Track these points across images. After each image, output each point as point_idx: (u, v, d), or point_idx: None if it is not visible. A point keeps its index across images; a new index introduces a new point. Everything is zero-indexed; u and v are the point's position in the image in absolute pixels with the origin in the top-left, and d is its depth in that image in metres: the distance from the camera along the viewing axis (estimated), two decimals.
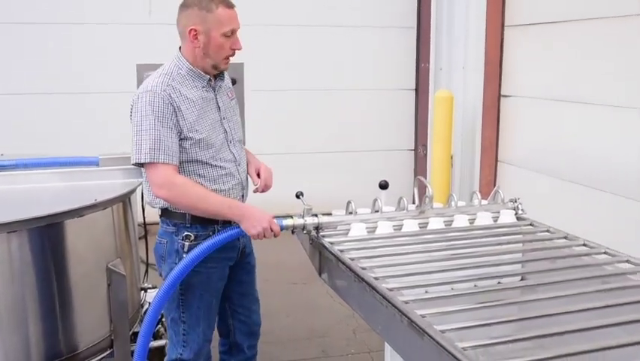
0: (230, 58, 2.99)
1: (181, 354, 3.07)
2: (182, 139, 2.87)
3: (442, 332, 1.89)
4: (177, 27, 2.94)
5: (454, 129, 6.31)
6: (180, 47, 2.98)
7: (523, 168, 5.83)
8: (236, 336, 3.33)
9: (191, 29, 2.86)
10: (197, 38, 2.87)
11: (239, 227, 2.87)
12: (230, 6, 2.90)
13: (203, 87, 2.97)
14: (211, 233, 2.95)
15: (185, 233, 2.95)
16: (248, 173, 3.22)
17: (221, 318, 3.28)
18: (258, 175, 3.21)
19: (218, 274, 3.07)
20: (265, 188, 3.22)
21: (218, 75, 3.06)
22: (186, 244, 2.94)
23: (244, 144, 3.27)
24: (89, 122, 6.78)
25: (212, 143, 2.95)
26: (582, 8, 4.98)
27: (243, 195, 3.11)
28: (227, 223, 2.95)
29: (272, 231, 2.85)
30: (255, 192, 3.21)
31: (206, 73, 2.96)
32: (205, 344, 3.12)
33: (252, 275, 3.33)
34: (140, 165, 2.86)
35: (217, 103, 3.02)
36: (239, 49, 2.96)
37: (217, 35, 2.86)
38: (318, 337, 4.73)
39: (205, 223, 2.95)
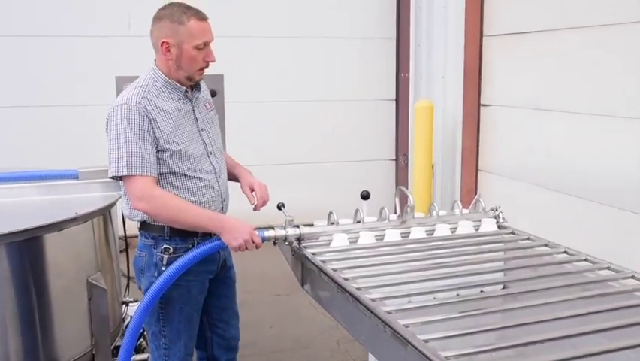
0: (205, 70, 2.97)
1: None
2: (159, 151, 2.85)
3: (425, 341, 1.90)
4: (151, 39, 2.93)
5: (435, 139, 6.33)
6: (155, 59, 2.98)
7: (504, 176, 5.86)
8: (213, 350, 3.30)
9: (163, 42, 2.85)
10: (169, 51, 2.86)
11: (219, 239, 2.86)
12: (203, 18, 2.88)
13: (180, 99, 2.95)
14: (190, 246, 2.92)
15: (164, 246, 2.92)
16: (242, 191, 3.21)
17: (199, 331, 3.25)
18: (252, 191, 3.20)
19: (199, 287, 3.04)
20: (263, 204, 3.18)
21: (195, 87, 3.05)
22: (165, 257, 2.90)
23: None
24: (70, 135, 6.72)
25: (191, 154, 2.93)
26: (560, 18, 5.03)
27: (222, 208, 3.09)
28: (207, 236, 2.93)
29: (253, 242, 2.83)
30: (254, 210, 3.18)
31: (182, 84, 2.95)
32: (187, 358, 3.09)
33: (231, 289, 3.30)
34: (119, 178, 2.83)
35: (194, 115, 3.00)
36: (212, 61, 2.94)
37: (189, 48, 2.85)
38: (302, 348, 4.72)
39: (184, 236, 2.93)
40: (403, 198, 3.12)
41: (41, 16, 6.73)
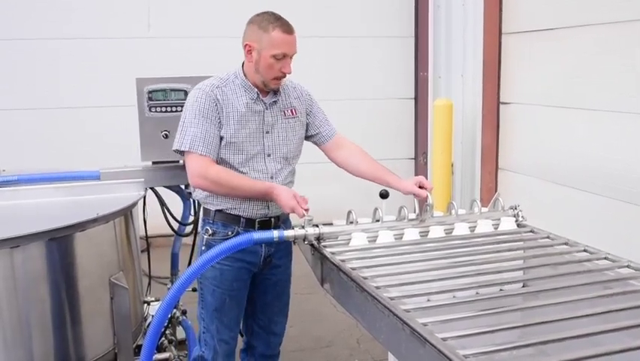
0: (282, 80, 3.15)
1: (203, 352, 3.22)
2: None
3: (444, 339, 1.90)
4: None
5: (454, 137, 6.31)
6: (244, 61, 3.15)
7: (524, 174, 5.82)
8: (253, 338, 3.42)
9: (246, 44, 3.06)
10: (250, 54, 3.05)
11: (253, 236, 2.84)
12: (288, 32, 3.06)
13: (252, 99, 3.10)
14: (230, 233, 3.07)
15: (207, 227, 3.13)
16: (408, 190, 3.21)
17: (244, 317, 3.37)
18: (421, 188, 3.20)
19: (233, 274, 3.13)
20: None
21: (275, 92, 3.18)
22: (205, 237, 3.12)
23: None
24: (89, 136, 6.78)
25: (244, 149, 3.08)
26: (579, 14, 4.99)
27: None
28: (250, 227, 3.07)
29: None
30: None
31: (257, 87, 3.10)
32: (220, 343, 3.16)
33: (277, 288, 3.40)
34: (180, 152, 3.07)
35: (263, 117, 3.13)
36: (288, 72, 3.12)
37: (267, 55, 3.01)
38: (323, 347, 4.73)
39: (227, 222, 3.10)
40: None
41: (58, 19, 6.80)
